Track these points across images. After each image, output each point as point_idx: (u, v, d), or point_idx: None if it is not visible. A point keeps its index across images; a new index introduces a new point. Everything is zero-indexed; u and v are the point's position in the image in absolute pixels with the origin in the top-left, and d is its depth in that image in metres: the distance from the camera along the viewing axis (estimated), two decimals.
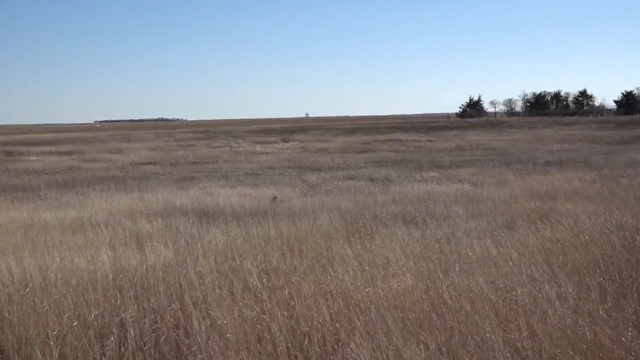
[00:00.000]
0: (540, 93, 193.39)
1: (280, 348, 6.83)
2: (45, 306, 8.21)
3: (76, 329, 7.45)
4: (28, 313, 7.98)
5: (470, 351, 6.50)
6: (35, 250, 12.22)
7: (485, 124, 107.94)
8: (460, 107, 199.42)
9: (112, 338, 7.19)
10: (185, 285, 9.04)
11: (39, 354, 6.76)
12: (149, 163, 44.52)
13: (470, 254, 10.54)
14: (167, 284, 9.18)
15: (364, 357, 6.32)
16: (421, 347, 6.56)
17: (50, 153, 57.77)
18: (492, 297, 8.02)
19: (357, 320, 7.33)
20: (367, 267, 9.66)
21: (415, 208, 17.31)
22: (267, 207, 18.75)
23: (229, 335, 7.02)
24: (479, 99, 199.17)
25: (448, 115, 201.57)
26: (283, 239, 12.54)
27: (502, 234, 12.37)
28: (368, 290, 8.40)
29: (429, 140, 65.10)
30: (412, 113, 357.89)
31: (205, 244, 12.33)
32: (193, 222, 15.79)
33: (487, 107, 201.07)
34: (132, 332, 7.38)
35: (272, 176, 31.74)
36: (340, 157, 45.07)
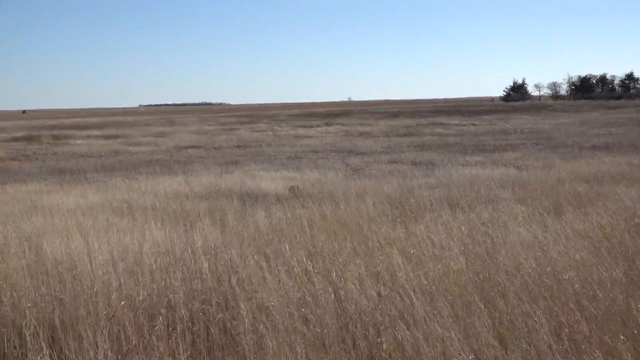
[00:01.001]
0: (586, 76, 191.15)
1: (326, 330, 6.84)
2: (94, 287, 8.32)
3: (125, 309, 7.54)
4: (78, 293, 8.10)
5: (519, 335, 6.46)
6: (83, 232, 12.38)
7: (530, 108, 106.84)
8: (504, 91, 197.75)
9: (161, 319, 7.27)
10: (231, 267, 9.10)
11: (90, 333, 6.85)
12: (193, 147, 44.84)
13: (517, 237, 10.45)
14: (214, 265, 9.25)
15: (412, 340, 6.30)
16: (470, 331, 6.53)
17: (96, 137, 58.45)
18: (539, 280, 7.95)
19: (404, 303, 7.31)
20: (413, 250, 9.63)
21: (459, 192, 17.20)
22: (311, 190, 18.77)
23: (276, 316, 7.06)
24: (524, 82, 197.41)
25: (492, 99, 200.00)
26: (327, 222, 12.55)
27: (549, 217, 12.25)
28: (414, 273, 8.39)
29: (473, 124, 64.58)
30: (455, 97, 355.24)
31: (250, 226, 12.39)
32: (238, 205, 15.89)
33: (532, 90, 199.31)
34: (180, 313, 7.45)
35: (316, 160, 31.77)
36: (383, 141, 44.94)
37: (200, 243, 10.74)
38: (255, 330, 6.82)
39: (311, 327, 6.89)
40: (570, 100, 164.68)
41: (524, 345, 6.17)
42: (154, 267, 9.27)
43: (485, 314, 6.97)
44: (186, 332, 6.98)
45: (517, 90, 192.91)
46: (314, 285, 8.13)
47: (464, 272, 8.42)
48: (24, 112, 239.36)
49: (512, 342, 6.27)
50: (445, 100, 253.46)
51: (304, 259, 9.26)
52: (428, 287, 7.86)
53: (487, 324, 6.61)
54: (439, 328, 6.54)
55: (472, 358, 5.88)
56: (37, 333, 7.01)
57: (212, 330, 7.12)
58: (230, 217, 13.69)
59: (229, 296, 7.99)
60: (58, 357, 6.49)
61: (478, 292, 7.68)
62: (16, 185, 23.62)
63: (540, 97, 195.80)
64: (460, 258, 9.10)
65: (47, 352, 6.34)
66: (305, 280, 8.46)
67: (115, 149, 44.33)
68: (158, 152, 40.70)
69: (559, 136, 44.06)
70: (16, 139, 57.77)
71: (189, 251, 10.11)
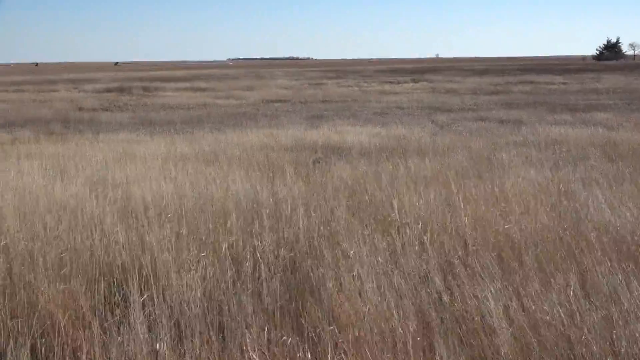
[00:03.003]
0: None
1: (410, 282, 6.87)
2: (182, 231, 8.53)
3: (212, 253, 7.72)
4: (166, 238, 8.30)
5: (604, 291, 6.36)
6: (172, 179, 12.66)
7: (624, 67, 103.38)
8: (597, 50, 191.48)
9: (247, 264, 7.42)
10: (316, 217, 9.20)
11: (177, 276, 7.05)
12: (280, 101, 45.07)
13: (608, 195, 10.24)
14: (298, 215, 9.35)
15: (494, 291, 6.28)
16: (554, 285, 6.46)
17: (185, 89, 59.29)
18: (631, 238, 7.80)
19: (490, 256, 7.28)
20: (502, 204, 9.56)
21: (547, 149, 16.96)
22: (397, 145, 18.74)
23: (361, 265, 7.11)
24: (617, 41, 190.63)
25: (583, 58, 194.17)
26: (411, 176, 12.53)
27: None
28: (501, 227, 8.34)
29: (563, 83, 62.92)
30: (545, 55, 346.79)
31: (336, 178, 12.47)
32: (323, 158, 15.99)
33: (626, 49, 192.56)
34: (265, 259, 7.59)
35: (401, 116, 31.60)
36: (470, 99, 44.29)
37: (285, 193, 10.88)
38: (339, 278, 6.90)
39: (395, 277, 6.93)
40: None
41: (608, 301, 6.08)
42: (241, 214, 9.45)
43: (572, 272, 6.89)
44: (271, 278, 7.10)
45: (611, 49, 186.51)
46: (399, 236, 8.17)
47: (552, 228, 8.32)
48: (116, 64, 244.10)
49: (596, 298, 6.18)
50: (535, 58, 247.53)
51: (389, 210, 9.31)
52: (516, 242, 7.81)
53: (572, 280, 6.53)
54: (525, 283, 6.49)
55: (556, 311, 5.83)
56: (128, 275, 7.24)
57: (296, 277, 7.24)
58: (316, 168, 13.82)
59: (314, 244, 8.09)
60: (148, 298, 6.68)
61: (565, 248, 7.59)
62: (108, 135, 24.27)
63: (634, 56, 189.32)
64: (549, 214, 9.00)
65: (137, 294, 6.54)
66: (390, 231, 8.51)
67: (203, 101, 44.89)
68: (245, 106, 41.08)
69: None
70: (109, 90, 59.13)
71: (274, 200, 10.25)
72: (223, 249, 7.93)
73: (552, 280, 6.56)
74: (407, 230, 8.35)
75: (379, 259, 7.35)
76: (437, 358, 5.37)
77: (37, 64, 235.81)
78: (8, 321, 6.33)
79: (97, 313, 6.52)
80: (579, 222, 8.63)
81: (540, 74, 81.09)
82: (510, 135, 21.23)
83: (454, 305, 6.36)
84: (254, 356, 5.45)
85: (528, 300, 6.12)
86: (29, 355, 5.73)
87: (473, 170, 13.29)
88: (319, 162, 15.53)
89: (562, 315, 5.77)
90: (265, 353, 5.51)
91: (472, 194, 10.46)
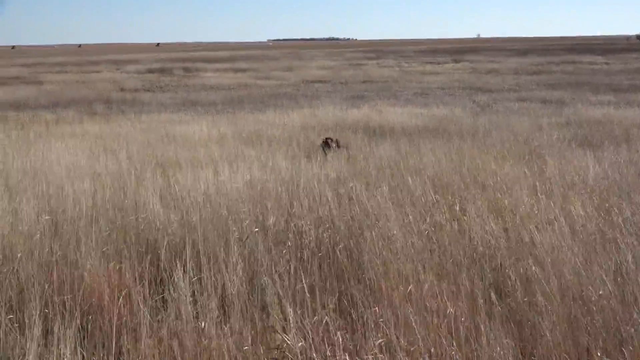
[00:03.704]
0: None
1: (450, 260, 6.88)
2: (224, 213, 8.60)
3: (255, 234, 7.78)
4: (212, 218, 8.38)
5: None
6: (214, 160, 12.76)
7: None
8: None
9: (289, 243, 7.47)
10: (356, 196, 9.22)
11: (223, 255, 7.12)
12: (320, 81, 45.02)
13: None
14: (340, 195, 9.38)
15: (537, 272, 6.26)
16: (598, 272, 6.41)
17: (226, 70, 59.49)
18: None
19: (533, 238, 7.24)
20: (544, 187, 9.49)
21: (591, 131, 16.77)
22: (438, 125, 18.66)
23: (400, 245, 7.13)
24: None
25: (627, 37, 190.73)
26: (453, 157, 12.49)
27: None
28: (539, 209, 8.29)
29: (606, 63, 61.89)
30: (588, 34, 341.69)
31: (377, 158, 12.47)
32: (363, 138, 15.98)
33: None
34: (307, 238, 7.64)
35: (442, 96, 31.42)
36: (512, 79, 43.83)
37: (326, 172, 10.91)
38: (380, 257, 6.92)
39: (435, 256, 6.95)
40: None
41: None
42: (283, 194, 9.51)
43: (613, 257, 6.82)
44: (313, 257, 7.14)
45: None
46: (439, 216, 8.16)
47: (596, 214, 8.22)
48: (157, 45, 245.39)
49: (632, 279, 6.13)
50: (578, 38, 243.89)
51: (429, 191, 9.29)
52: (555, 223, 7.76)
53: (609, 261, 6.49)
54: (569, 266, 6.44)
55: (591, 292, 5.79)
56: (172, 254, 7.33)
57: (337, 256, 7.27)
58: (357, 148, 13.82)
59: (354, 224, 8.11)
60: (193, 276, 6.75)
61: (606, 231, 7.51)
62: (150, 115, 24.47)
63: None
64: (594, 199, 8.91)
65: (182, 272, 6.62)
66: (430, 211, 8.50)
67: (244, 82, 45.00)
68: (285, 86, 41.11)
69: None
70: (150, 71, 59.57)
71: (315, 180, 10.28)
72: (265, 229, 8.00)
73: (601, 262, 6.52)
74: (446, 214, 8.36)
75: (421, 240, 7.36)
76: (483, 338, 5.36)
77: (80, 45, 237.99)
78: (55, 298, 6.45)
79: (142, 290, 6.61)
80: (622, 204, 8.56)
81: (582, 54, 79.78)
82: (552, 116, 21.01)
83: (498, 285, 6.36)
84: (296, 335, 5.49)
85: (573, 277, 6.10)
86: (75, 331, 5.83)
87: (514, 151, 13.19)
88: (328, 146, 14.91)
89: (613, 294, 5.74)
90: (307, 332, 5.54)
91: (515, 177, 10.40)
